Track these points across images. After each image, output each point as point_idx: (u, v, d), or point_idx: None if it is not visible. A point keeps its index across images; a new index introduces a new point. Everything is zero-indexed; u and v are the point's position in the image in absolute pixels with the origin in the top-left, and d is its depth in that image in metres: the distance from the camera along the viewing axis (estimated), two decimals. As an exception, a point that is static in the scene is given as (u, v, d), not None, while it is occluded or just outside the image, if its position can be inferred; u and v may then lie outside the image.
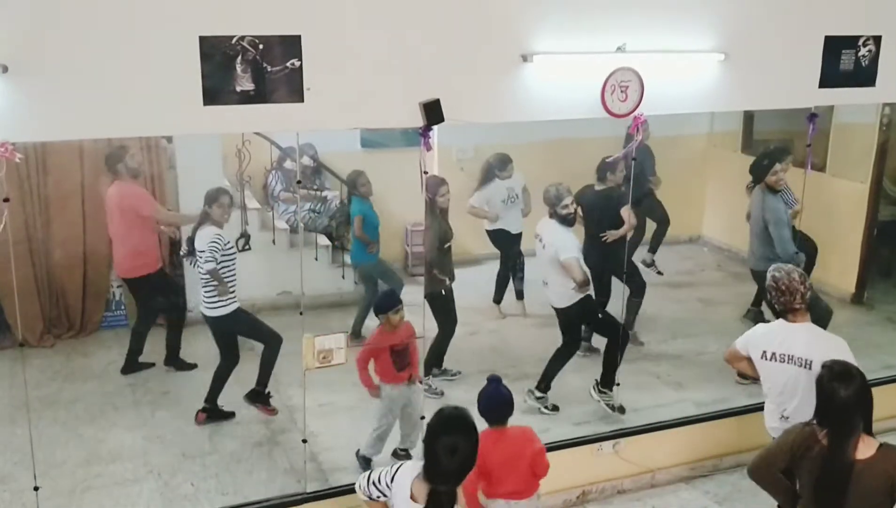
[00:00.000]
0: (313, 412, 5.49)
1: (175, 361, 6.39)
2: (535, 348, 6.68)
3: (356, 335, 6.66)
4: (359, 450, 5.15)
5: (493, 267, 7.29)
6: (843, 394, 3.25)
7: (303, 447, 4.86)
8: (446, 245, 6.04)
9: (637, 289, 6.51)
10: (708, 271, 8.50)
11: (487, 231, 7.12)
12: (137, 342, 6.30)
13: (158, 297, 6.36)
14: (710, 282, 8.26)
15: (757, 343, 4.29)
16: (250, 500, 4.71)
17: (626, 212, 6.07)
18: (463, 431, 3.07)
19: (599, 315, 5.75)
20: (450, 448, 2.99)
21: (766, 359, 4.23)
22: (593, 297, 5.74)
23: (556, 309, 5.76)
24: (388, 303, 5.05)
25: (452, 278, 6.08)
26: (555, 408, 5.74)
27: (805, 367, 4.08)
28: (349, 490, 4.70)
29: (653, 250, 7.78)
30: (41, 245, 6.61)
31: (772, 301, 4.29)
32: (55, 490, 4.80)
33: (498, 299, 7.30)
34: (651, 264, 7.71)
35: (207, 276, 5.44)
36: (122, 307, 7.04)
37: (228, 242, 5.52)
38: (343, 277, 7.59)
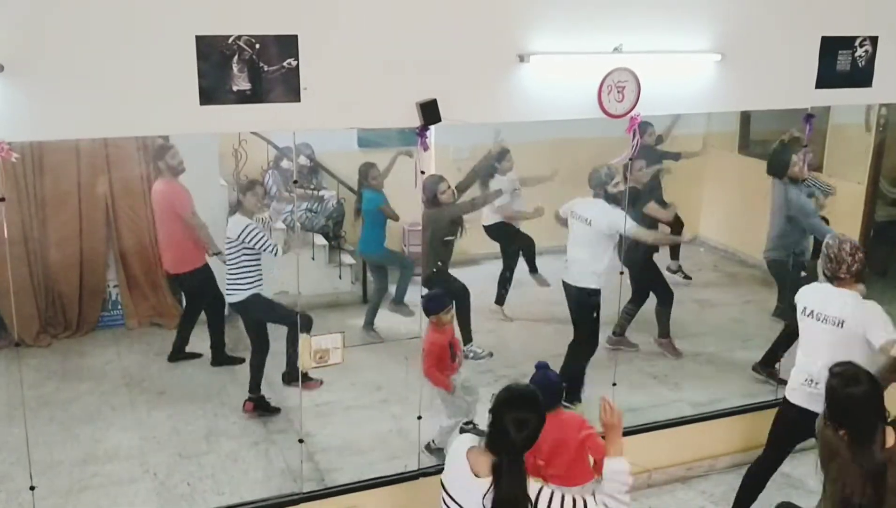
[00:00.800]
0: (310, 412, 5.50)
1: (222, 357, 6.40)
2: (534, 347, 6.68)
3: (369, 325, 6.75)
4: (430, 443, 5.12)
5: (492, 267, 7.24)
6: (856, 392, 3.35)
7: (299, 447, 4.86)
8: (448, 238, 6.12)
9: (663, 298, 6.58)
10: (704, 272, 8.49)
11: (485, 226, 7.04)
12: (182, 334, 6.43)
13: (204, 292, 6.37)
14: (707, 282, 8.25)
15: (801, 299, 4.58)
16: (246, 500, 4.70)
17: (652, 209, 6.22)
18: (532, 407, 3.12)
19: (594, 314, 5.75)
20: (519, 422, 3.04)
21: (806, 315, 4.50)
22: (600, 294, 5.76)
23: (568, 286, 5.81)
24: (438, 305, 5.10)
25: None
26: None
27: (837, 325, 4.31)
28: (346, 490, 4.73)
29: (674, 256, 7.74)
30: (37, 245, 6.60)
31: (822, 265, 4.52)
32: (51, 490, 4.80)
33: (500, 300, 7.18)
34: (677, 271, 7.71)
35: (235, 263, 5.62)
36: (119, 307, 7.03)
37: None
38: (340, 276, 7.60)
